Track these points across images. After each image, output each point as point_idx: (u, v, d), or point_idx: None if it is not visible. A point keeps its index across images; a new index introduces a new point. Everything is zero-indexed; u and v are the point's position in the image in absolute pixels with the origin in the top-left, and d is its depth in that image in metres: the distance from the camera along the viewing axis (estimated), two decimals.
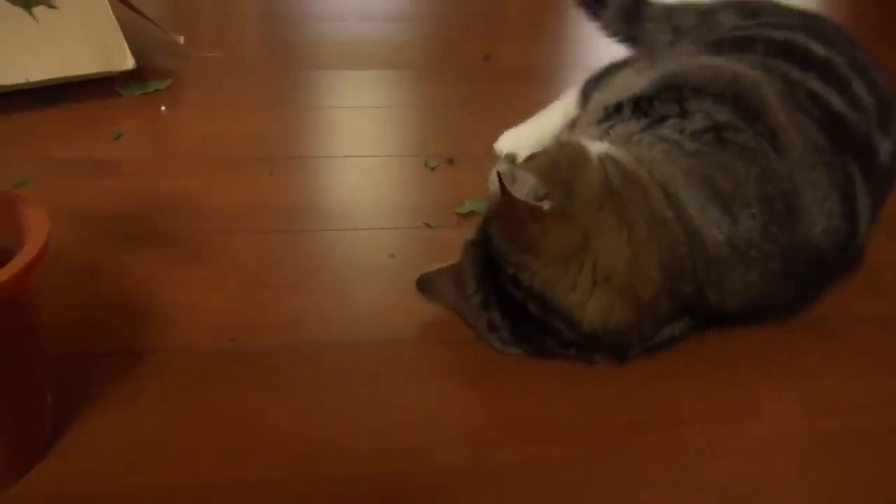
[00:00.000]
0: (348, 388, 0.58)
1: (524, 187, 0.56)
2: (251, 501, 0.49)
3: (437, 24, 1.69)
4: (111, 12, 1.08)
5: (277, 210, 0.83)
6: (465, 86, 1.27)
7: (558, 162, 0.59)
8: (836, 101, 0.65)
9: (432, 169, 0.93)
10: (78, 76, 1.06)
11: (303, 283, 0.70)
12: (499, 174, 0.54)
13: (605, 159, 0.59)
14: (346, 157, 0.98)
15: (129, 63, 1.08)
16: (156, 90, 1.14)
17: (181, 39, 1.27)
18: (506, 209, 0.56)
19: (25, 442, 0.49)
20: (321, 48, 1.45)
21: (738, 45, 0.72)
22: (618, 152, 0.61)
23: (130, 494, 0.49)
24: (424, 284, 0.62)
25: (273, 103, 1.15)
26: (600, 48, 1.59)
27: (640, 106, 0.69)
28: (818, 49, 0.69)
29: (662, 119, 0.66)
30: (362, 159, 0.98)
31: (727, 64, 0.68)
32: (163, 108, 1.09)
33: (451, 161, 0.95)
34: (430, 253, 0.75)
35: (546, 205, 0.54)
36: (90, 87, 1.09)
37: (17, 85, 1.01)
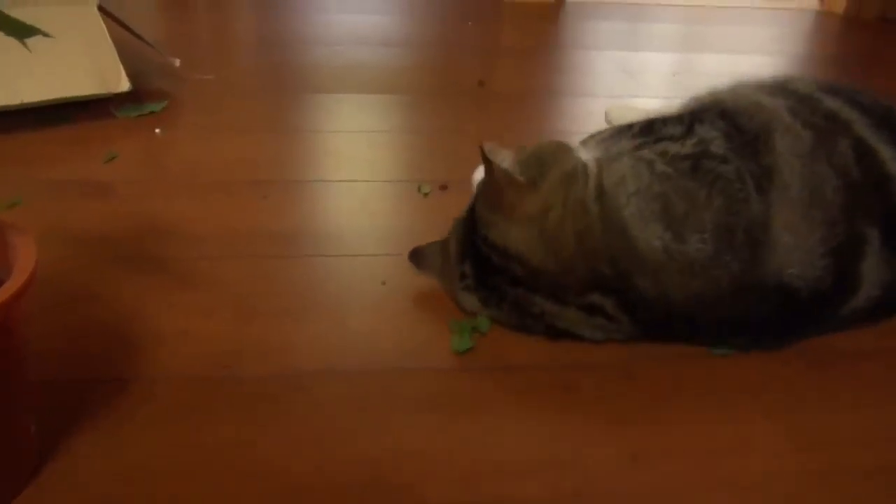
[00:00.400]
0: (339, 418, 0.58)
1: (505, 161, 0.65)
2: None
3: (432, 50, 1.71)
4: (107, 34, 1.09)
5: (271, 235, 0.83)
6: (459, 111, 1.28)
7: (541, 151, 0.68)
8: (895, 168, 0.66)
9: (425, 195, 0.94)
10: (73, 97, 1.07)
11: (295, 309, 0.70)
12: (482, 148, 0.63)
13: (584, 165, 0.67)
14: (341, 181, 0.99)
15: (124, 85, 1.09)
16: (151, 112, 1.14)
17: (177, 62, 1.27)
18: (489, 180, 0.65)
19: (8, 472, 0.49)
20: (317, 72, 1.46)
21: (833, 90, 0.72)
22: (598, 153, 0.69)
23: None
24: (416, 255, 0.71)
25: (268, 127, 1.16)
26: (593, 75, 1.61)
27: (653, 127, 0.71)
28: None
29: (658, 140, 0.68)
30: (356, 184, 0.98)
31: (772, 104, 0.69)
32: (157, 130, 1.09)
33: (443, 187, 0.95)
34: (421, 280, 0.75)
35: (521, 178, 0.64)
36: (85, 108, 1.09)
37: (12, 106, 1.02)
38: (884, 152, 0.66)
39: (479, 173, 0.88)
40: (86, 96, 1.08)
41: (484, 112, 1.29)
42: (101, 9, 1.09)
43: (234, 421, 0.56)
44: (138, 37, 1.20)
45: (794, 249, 0.62)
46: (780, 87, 0.74)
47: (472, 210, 0.68)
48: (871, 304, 0.66)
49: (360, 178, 1.00)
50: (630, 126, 0.75)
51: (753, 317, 0.64)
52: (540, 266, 0.63)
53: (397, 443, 0.55)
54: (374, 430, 0.57)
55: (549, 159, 0.66)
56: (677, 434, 0.59)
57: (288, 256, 0.79)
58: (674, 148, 0.66)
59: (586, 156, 0.68)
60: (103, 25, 1.09)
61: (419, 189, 0.95)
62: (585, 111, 1.31)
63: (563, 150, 0.68)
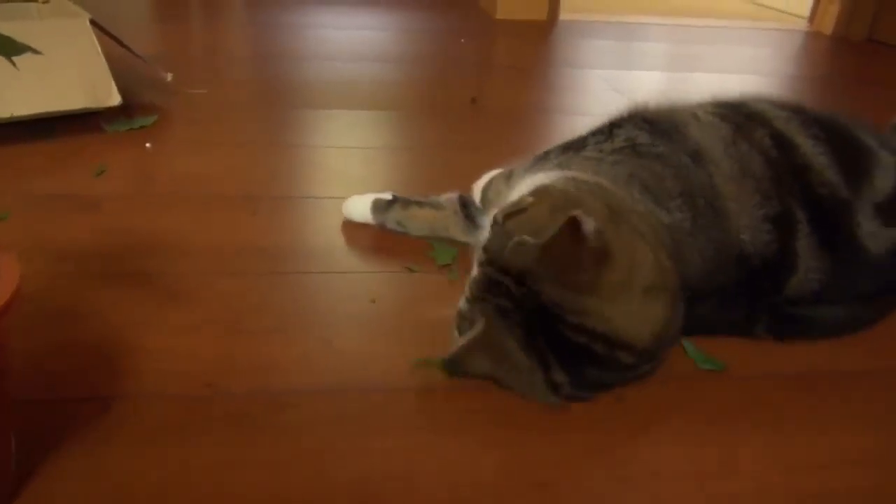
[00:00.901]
0: (324, 438, 0.57)
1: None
2: None
3: (425, 67, 1.72)
4: (99, 48, 1.09)
5: (259, 251, 0.83)
6: (451, 127, 1.28)
7: (553, 207, 0.60)
8: (818, 160, 0.70)
9: None
10: (63, 111, 1.06)
11: (282, 327, 0.70)
12: (576, 218, 0.53)
13: (569, 182, 0.63)
14: (332, 198, 0.98)
15: (114, 99, 1.09)
16: (141, 126, 1.14)
17: (168, 76, 1.27)
18: (564, 257, 0.55)
19: None
20: (309, 87, 1.47)
21: (779, 104, 0.77)
22: (568, 172, 0.67)
23: None
24: (454, 364, 0.60)
25: (259, 142, 1.16)
26: (584, 93, 1.63)
27: (573, 143, 0.76)
28: (862, 134, 0.75)
29: (583, 148, 0.73)
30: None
31: (686, 108, 0.75)
32: (147, 144, 1.09)
33: None
34: (410, 298, 0.75)
35: (592, 237, 0.54)
36: (75, 121, 1.09)
37: (2, 119, 1.01)
38: (805, 146, 0.70)
39: (482, 182, 0.88)
40: (76, 110, 1.07)
41: (476, 129, 1.30)
42: (93, 22, 1.09)
43: (217, 440, 0.56)
44: (130, 51, 1.20)
45: (741, 215, 0.66)
46: (712, 101, 0.78)
47: (515, 300, 0.57)
48: (812, 288, 0.68)
49: (350, 195, 0.99)
50: (546, 152, 0.77)
51: (723, 290, 0.66)
52: (649, 342, 0.59)
53: (382, 464, 0.55)
54: (360, 451, 0.56)
55: (569, 208, 0.58)
56: (665, 456, 0.58)
57: (277, 273, 0.79)
58: (606, 146, 0.70)
59: (553, 177, 0.66)
60: (95, 39, 1.08)
61: None
62: (576, 128, 1.32)
63: (563, 193, 0.62)
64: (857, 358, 0.72)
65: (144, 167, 1.04)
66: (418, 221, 0.84)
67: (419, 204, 0.85)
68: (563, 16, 2.33)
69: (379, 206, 0.86)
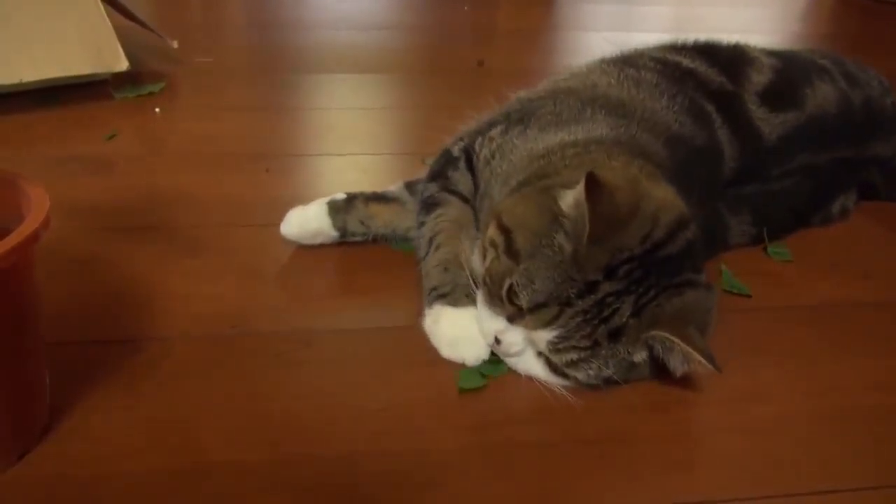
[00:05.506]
0: (350, 372, 0.57)
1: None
2: (253, 483, 0.48)
3: (430, 33, 1.71)
4: (105, 15, 1.08)
5: (275, 205, 0.82)
6: (459, 89, 1.28)
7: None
8: (698, 66, 0.81)
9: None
10: (71, 77, 1.06)
11: (300, 272, 0.70)
12: None
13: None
14: (343, 154, 0.98)
15: (122, 64, 1.08)
16: (150, 93, 1.14)
17: (175, 44, 1.27)
18: None
19: (24, 423, 0.48)
20: (314, 54, 1.46)
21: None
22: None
23: (126, 477, 0.48)
24: None
25: (268, 105, 1.15)
26: (589, 55, 1.61)
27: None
28: (756, 52, 0.85)
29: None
30: (359, 157, 0.98)
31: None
32: (157, 109, 1.09)
33: None
34: None
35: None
36: (84, 90, 1.09)
37: (12, 85, 1.01)
38: (683, 60, 0.82)
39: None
40: (84, 76, 1.07)
41: (483, 91, 1.29)
42: None
43: (243, 375, 0.56)
44: (135, 19, 1.20)
45: (668, 110, 0.73)
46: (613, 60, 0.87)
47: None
48: (729, 175, 0.75)
49: (362, 152, 0.99)
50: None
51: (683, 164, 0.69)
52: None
53: (408, 394, 0.56)
54: (385, 383, 0.57)
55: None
56: (693, 385, 0.59)
57: None
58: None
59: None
60: (101, 5, 1.08)
61: (423, 161, 0.94)
62: None
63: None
64: (867, 290, 0.73)
65: (155, 130, 1.04)
66: (383, 217, 0.74)
67: (379, 199, 0.75)
68: None
69: (337, 208, 0.73)
